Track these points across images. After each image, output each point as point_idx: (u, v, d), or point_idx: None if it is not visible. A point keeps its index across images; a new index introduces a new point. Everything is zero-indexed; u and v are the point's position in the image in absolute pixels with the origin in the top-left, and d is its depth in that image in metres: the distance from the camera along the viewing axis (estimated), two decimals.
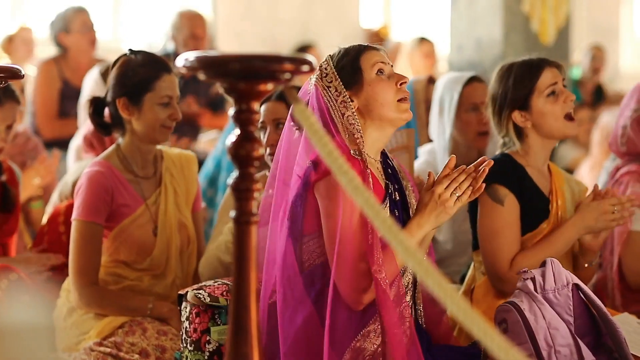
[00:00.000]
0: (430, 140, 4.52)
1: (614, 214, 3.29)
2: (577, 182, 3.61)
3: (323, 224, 2.74)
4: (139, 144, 3.53)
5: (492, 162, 2.81)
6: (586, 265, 3.43)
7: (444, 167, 2.80)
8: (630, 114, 3.88)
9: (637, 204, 3.36)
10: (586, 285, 3.35)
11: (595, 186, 3.39)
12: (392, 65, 2.92)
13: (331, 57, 2.91)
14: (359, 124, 2.82)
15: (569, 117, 3.37)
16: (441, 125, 4.32)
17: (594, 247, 3.39)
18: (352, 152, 2.81)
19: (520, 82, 3.38)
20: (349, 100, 2.83)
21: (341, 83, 2.84)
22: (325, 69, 2.87)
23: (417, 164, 4.26)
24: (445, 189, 2.76)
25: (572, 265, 3.45)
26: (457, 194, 2.76)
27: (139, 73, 3.48)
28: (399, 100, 2.85)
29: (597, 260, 3.48)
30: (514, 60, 3.46)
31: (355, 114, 2.82)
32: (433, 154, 4.37)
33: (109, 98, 3.52)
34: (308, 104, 2.85)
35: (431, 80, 4.80)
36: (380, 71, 2.86)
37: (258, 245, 2.09)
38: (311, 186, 2.76)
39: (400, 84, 2.86)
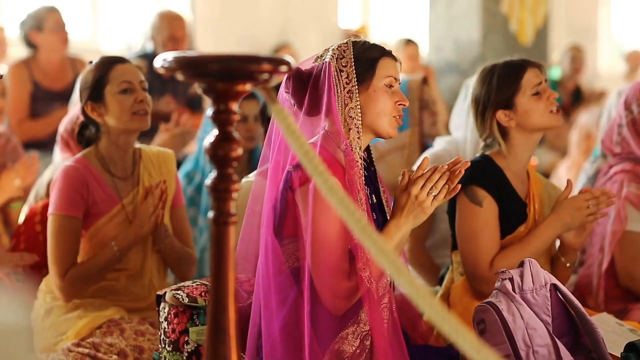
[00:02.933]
0: (422, 138, 4.59)
1: (588, 208, 3.29)
2: (554, 188, 3.62)
3: (304, 229, 2.72)
4: (116, 142, 3.53)
5: (468, 163, 2.82)
6: (567, 265, 3.43)
7: (418, 167, 2.81)
8: (626, 113, 3.89)
9: (612, 198, 3.34)
10: (564, 285, 3.37)
11: (569, 182, 3.38)
12: (399, 84, 2.92)
13: (353, 43, 2.88)
14: (359, 119, 2.81)
15: (552, 112, 3.40)
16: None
17: (576, 245, 3.39)
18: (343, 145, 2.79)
19: (504, 82, 3.39)
20: (357, 91, 2.82)
21: (355, 71, 2.83)
22: (344, 51, 2.85)
23: (433, 152, 4.31)
24: (421, 189, 2.77)
25: (550, 265, 3.46)
26: (433, 194, 2.77)
27: (93, 74, 3.52)
28: (394, 117, 2.87)
29: (577, 261, 3.49)
30: (496, 62, 3.47)
31: (358, 106, 2.81)
32: (454, 144, 4.35)
33: (81, 111, 3.54)
34: (311, 74, 2.83)
35: (425, 81, 4.92)
36: (390, 85, 2.87)
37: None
38: (293, 191, 2.75)
39: (399, 104, 2.87)
